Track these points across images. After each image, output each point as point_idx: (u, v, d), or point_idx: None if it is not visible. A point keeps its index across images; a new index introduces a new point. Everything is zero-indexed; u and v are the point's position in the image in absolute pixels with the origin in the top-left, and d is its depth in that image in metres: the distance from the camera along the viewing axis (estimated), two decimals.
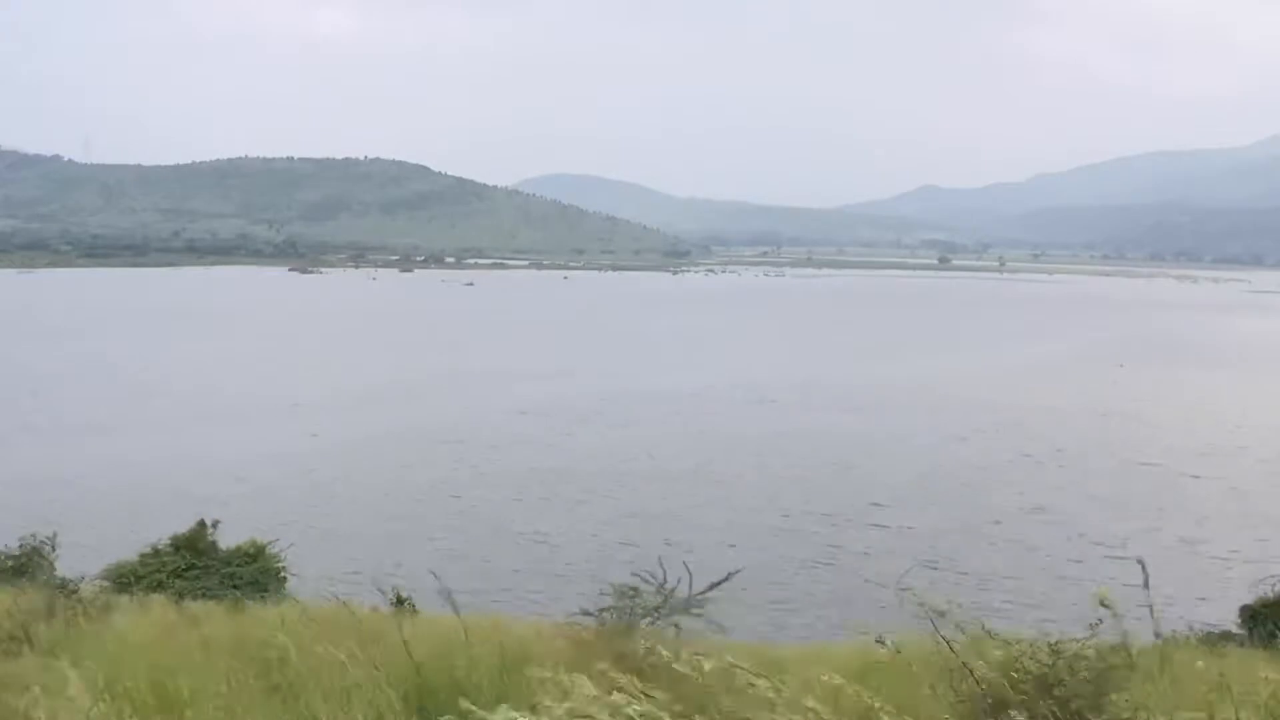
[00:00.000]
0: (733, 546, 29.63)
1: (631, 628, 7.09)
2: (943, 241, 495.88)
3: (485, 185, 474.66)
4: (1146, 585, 2.38)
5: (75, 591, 10.28)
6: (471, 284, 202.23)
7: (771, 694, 2.13)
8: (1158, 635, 2.63)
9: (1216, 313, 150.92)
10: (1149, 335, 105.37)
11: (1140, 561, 2.45)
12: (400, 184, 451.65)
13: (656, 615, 7.35)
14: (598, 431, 50.66)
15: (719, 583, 8.05)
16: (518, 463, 43.21)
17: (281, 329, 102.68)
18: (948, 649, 2.80)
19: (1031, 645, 3.20)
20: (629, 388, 63.57)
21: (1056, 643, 3.28)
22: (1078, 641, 3.30)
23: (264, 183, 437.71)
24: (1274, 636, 11.82)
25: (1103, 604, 2.40)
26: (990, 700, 3.01)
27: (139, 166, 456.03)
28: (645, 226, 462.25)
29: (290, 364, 75.80)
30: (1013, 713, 2.87)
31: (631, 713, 2.16)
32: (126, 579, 16.22)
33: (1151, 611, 2.39)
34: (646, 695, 2.20)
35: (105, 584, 15.32)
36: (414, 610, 13.02)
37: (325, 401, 58.05)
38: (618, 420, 53.80)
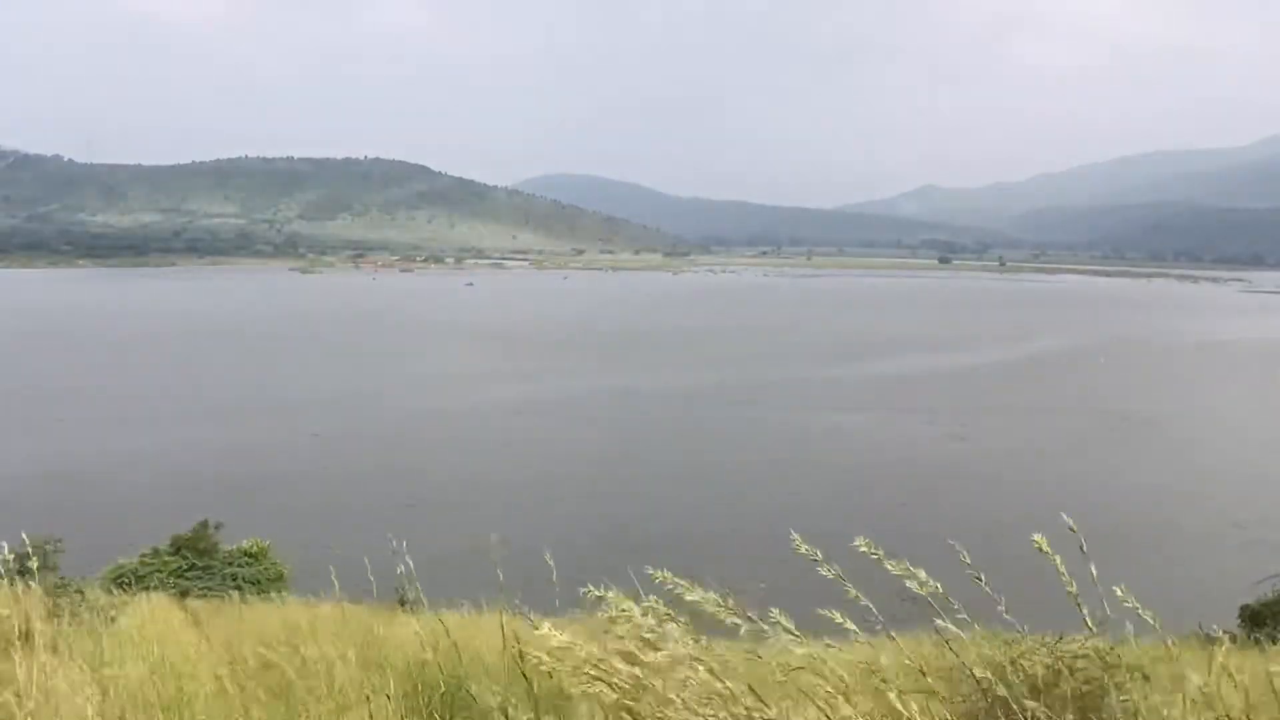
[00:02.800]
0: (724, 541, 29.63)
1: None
2: (943, 241, 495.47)
3: (485, 185, 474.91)
4: (1083, 549, 2.35)
5: (77, 591, 10.28)
6: (471, 284, 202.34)
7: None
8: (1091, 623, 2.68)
9: None
10: None
11: (1071, 527, 2.41)
12: (400, 184, 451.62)
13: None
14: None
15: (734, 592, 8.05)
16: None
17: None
18: (946, 648, 2.79)
19: (1030, 644, 3.17)
20: None
21: (1056, 642, 3.25)
22: (1077, 641, 3.28)
23: (264, 183, 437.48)
24: (1272, 638, 11.83)
25: (1041, 550, 2.37)
26: (989, 700, 3.00)
27: (139, 166, 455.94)
28: (645, 226, 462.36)
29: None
30: (1015, 710, 2.84)
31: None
32: (126, 579, 16.22)
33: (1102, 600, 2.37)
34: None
35: (106, 584, 15.33)
36: (415, 608, 13.04)
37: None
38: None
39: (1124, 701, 3.11)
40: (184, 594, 14.99)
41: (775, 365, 77.57)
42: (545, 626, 2.15)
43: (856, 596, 2.51)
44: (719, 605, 2.26)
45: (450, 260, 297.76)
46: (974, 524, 30.55)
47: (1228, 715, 2.21)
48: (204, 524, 17.28)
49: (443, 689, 4.17)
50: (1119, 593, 2.38)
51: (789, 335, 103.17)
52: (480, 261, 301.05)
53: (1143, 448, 48.01)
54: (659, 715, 2.05)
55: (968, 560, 2.54)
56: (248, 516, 25.22)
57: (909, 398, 62.23)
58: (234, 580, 16.35)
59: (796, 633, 2.34)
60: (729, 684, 2.12)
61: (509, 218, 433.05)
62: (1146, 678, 3.07)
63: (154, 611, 10.95)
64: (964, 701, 2.99)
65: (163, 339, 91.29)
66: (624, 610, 2.24)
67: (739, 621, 2.22)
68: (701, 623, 2.29)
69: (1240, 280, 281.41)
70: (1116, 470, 42.98)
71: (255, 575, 16.63)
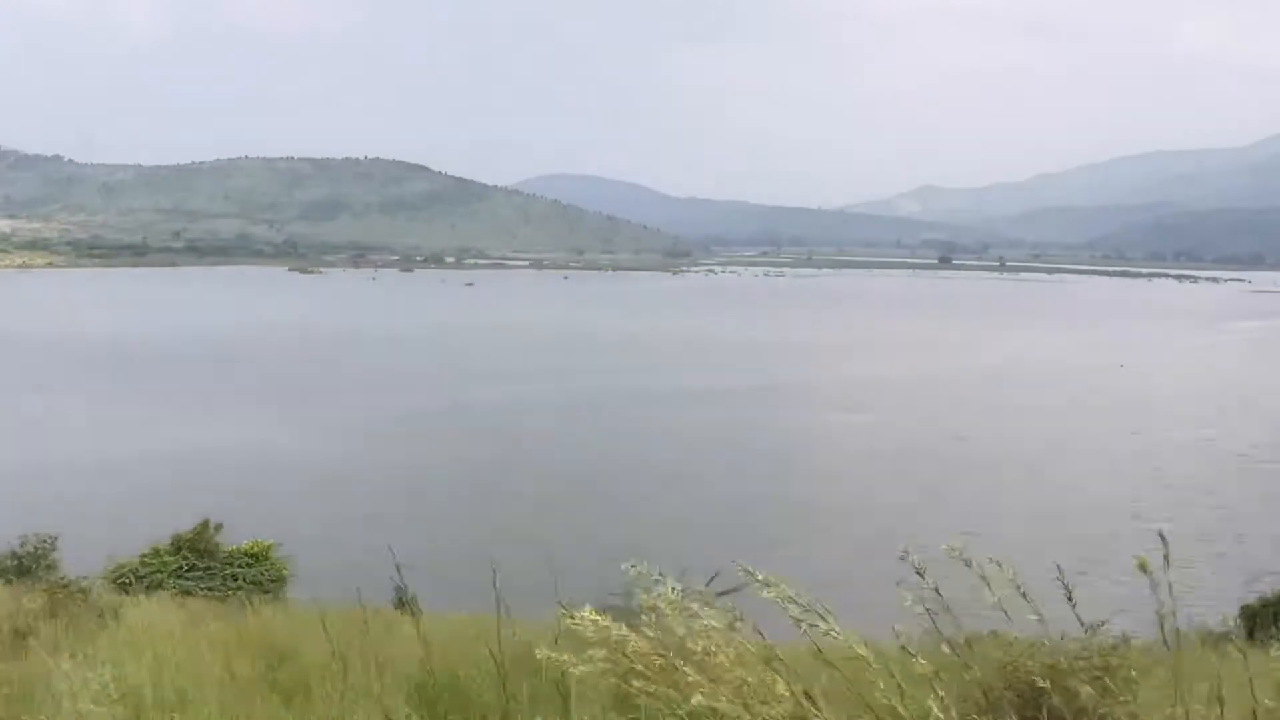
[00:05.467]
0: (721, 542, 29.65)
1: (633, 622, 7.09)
2: (943, 241, 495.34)
3: (485, 185, 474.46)
4: (1167, 560, 2.31)
5: (78, 591, 10.29)
6: (471, 284, 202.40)
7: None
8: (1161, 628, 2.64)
9: None
10: None
11: (1161, 535, 2.37)
12: (400, 184, 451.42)
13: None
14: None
15: (729, 590, 8.06)
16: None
17: None
18: (947, 648, 2.79)
19: (1031, 644, 3.16)
20: None
21: (1058, 642, 3.24)
22: (1079, 641, 3.27)
23: (264, 183, 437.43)
24: (1274, 637, 11.83)
25: (1142, 569, 2.33)
26: (990, 701, 2.99)
27: (139, 166, 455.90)
28: (645, 226, 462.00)
29: None
30: (1016, 711, 2.83)
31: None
32: (127, 579, 16.21)
33: (1170, 590, 2.34)
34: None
35: (107, 583, 15.34)
36: (417, 609, 13.05)
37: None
38: None
39: (1125, 702, 3.10)
40: (185, 594, 14.99)
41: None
42: (587, 610, 2.10)
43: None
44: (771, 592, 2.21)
45: (450, 260, 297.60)
46: None
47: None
48: (205, 524, 17.26)
49: (445, 690, 4.25)
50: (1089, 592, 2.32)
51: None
52: (480, 261, 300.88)
53: None
54: (691, 705, 2.01)
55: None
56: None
57: None
58: (235, 581, 16.34)
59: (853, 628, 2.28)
60: (770, 677, 2.07)
61: (509, 218, 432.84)
62: (1135, 671, 3.02)
63: (155, 612, 10.95)
64: (964, 702, 2.96)
65: None
66: (657, 595, 2.17)
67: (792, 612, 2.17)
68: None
69: (1240, 280, 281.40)
70: None
71: (256, 576, 16.61)
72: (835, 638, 2.22)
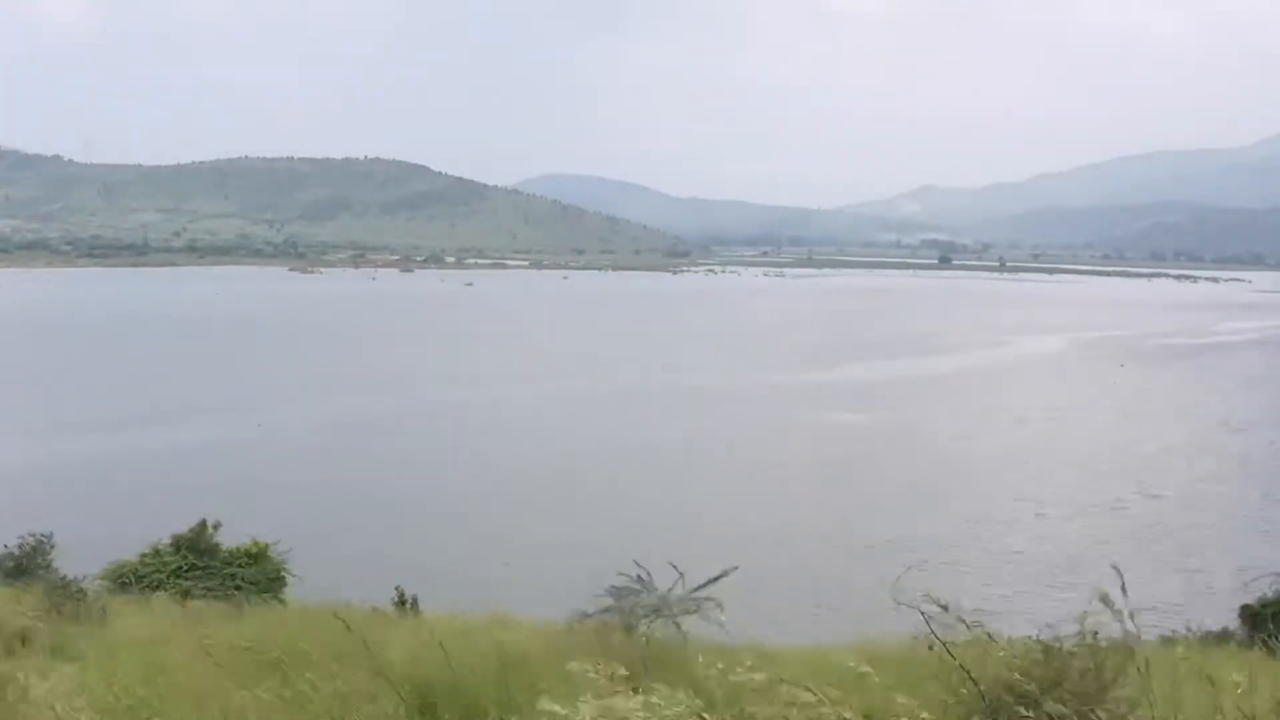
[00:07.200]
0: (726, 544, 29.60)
1: (631, 627, 7.12)
2: (943, 241, 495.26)
3: (485, 185, 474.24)
4: (1124, 591, 2.43)
5: (76, 591, 10.28)
6: (471, 284, 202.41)
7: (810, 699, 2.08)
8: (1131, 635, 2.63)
9: None
10: None
11: (1116, 568, 2.51)
12: (400, 184, 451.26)
13: (655, 615, 7.38)
14: None
15: (714, 579, 8.06)
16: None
17: None
18: (945, 650, 2.80)
19: (1029, 646, 3.18)
20: None
21: (1056, 643, 3.25)
22: (1075, 642, 3.25)
23: (264, 183, 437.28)
24: (1274, 637, 11.80)
25: (1102, 601, 2.46)
26: (988, 701, 3.00)
27: (139, 166, 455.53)
28: (645, 226, 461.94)
29: None
30: (1016, 710, 2.86)
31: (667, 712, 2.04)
32: (126, 579, 16.19)
33: (1130, 618, 2.43)
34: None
35: (107, 583, 15.33)
36: (416, 609, 13.04)
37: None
38: None
39: (1118, 697, 3.09)
40: (185, 594, 14.98)
41: None
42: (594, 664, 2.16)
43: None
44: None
45: (451, 260, 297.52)
46: None
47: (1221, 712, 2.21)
48: (204, 524, 17.23)
49: (438, 691, 4.22)
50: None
51: None
52: (480, 261, 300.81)
53: None
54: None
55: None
56: None
57: None
58: (234, 580, 16.32)
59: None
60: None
61: (509, 218, 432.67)
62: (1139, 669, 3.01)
63: (154, 611, 10.94)
64: (961, 704, 2.99)
65: None
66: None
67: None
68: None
69: (1240, 280, 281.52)
70: None
71: (255, 576, 16.59)
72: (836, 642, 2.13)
